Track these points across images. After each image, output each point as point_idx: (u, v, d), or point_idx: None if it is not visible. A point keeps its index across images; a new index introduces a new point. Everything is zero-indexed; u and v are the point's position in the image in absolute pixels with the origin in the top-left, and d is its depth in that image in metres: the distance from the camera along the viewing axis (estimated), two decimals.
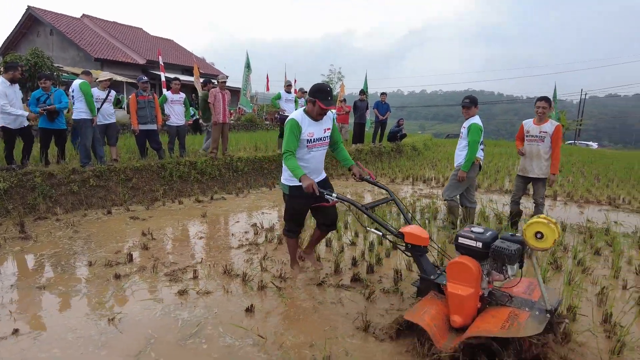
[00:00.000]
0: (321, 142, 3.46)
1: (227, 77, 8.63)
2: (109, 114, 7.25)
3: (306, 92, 10.90)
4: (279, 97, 9.54)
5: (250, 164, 8.75)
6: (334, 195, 3.19)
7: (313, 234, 3.91)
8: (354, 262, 4.12)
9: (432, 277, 2.87)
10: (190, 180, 7.63)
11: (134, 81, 15.47)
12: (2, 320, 2.99)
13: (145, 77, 7.71)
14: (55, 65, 16.11)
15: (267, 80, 22.82)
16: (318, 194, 3.10)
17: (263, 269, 3.95)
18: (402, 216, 4.80)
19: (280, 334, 2.84)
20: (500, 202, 7.11)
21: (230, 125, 13.25)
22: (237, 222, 5.73)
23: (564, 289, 3.45)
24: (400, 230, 2.98)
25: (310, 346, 2.70)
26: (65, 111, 6.90)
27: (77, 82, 6.63)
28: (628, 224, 5.89)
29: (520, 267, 2.60)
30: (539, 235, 2.40)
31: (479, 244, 2.58)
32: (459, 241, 2.67)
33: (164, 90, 8.58)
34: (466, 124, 5.13)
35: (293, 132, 3.27)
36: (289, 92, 9.58)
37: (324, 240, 4.83)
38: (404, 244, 2.99)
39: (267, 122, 22.00)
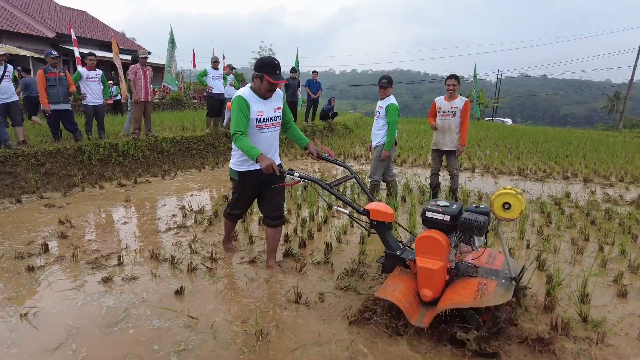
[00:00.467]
0: (272, 122, 3.21)
1: (148, 53, 8.12)
2: (8, 92, 6.52)
3: (234, 68, 10.58)
4: (205, 73, 9.18)
5: (176, 144, 8.40)
6: (296, 174, 2.95)
7: (266, 240, 3.56)
8: (287, 239, 4.18)
9: (397, 252, 2.85)
10: (112, 164, 7.17)
11: (42, 56, 13.99)
12: None
13: (55, 52, 7.01)
14: None
15: (194, 57, 21.82)
16: (279, 174, 2.89)
17: (193, 251, 3.87)
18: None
19: (212, 314, 2.82)
20: (423, 175, 7.54)
21: (154, 104, 12.56)
22: (164, 205, 5.52)
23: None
24: (365, 207, 2.91)
25: (242, 322, 2.73)
26: None
27: None
28: (533, 191, 6.56)
29: (485, 237, 2.62)
30: (506, 206, 2.44)
31: (447, 217, 2.59)
32: (427, 215, 2.66)
33: (79, 67, 7.86)
34: (383, 104, 5.30)
35: (242, 111, 3.02)
36: (215, 68, 9.25)
37: (256, 218, 4.83)
38: (368, 222, 2.91)
39: (195, 101, 21.14)
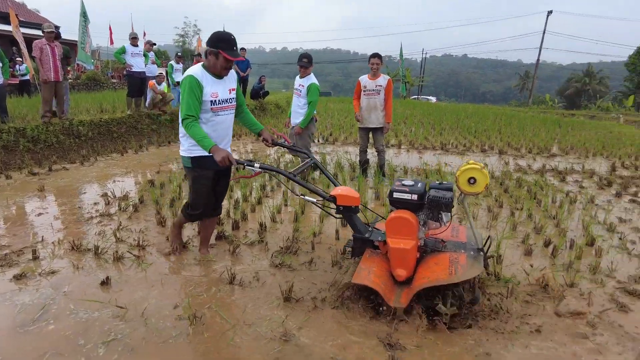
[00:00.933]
0: (227, 104, 2.96)
1: (55, 27, 7.36)
2: None
3: (154, 44, 9.97)
4: (123, 51, 8.56)
5: (95, 127, 7.82)
6: (256, 165, 2.73)
7: (201, 229, 3.46)
8: (219, 221, 4.11)
9: (366, 235, 2.83)
10: (20, 150, 6.51)
11: None
12: None
13: None
14: None
15: (110, 33, 20.21)
16: (236, 165, 2.69)
17: (118, 240, 3.69)
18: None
19: (142, 301, 2.74)
20: (354, 153, 7.75)
21: (69, 85, 11.42)
22: (85, 193, 5.16)
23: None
24: (331, 193, 2.83)
25: (174, 308, 2.67)
26: None
27: None
28: (454, 164, 7.02)
29: (451, 213, 2.66)
30: (472, 181, 2.49)
31: (415, 197, 2.60)
32: (394, 196, 2.65)
33: None
34: (305, 83, 5.36)
35: (193, 92, 2.71)
36: (135, 45, 8.65)
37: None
38: (334, 208, 2.84)
39: (114, 81, 19.68)
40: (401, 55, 26.90)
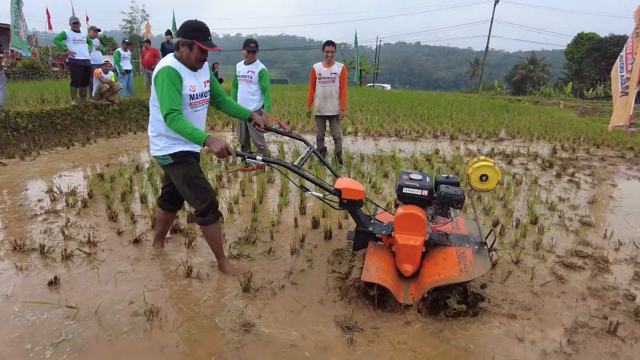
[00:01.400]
0: (204, 98, 2.77)
1: None
2: None
3: (99, 30, 9.43)
4: (63, 37, 8.04)
5: (36, 119, 7.33)
6: (258, 157, 2.53)
7: (160, 223, 3.22)
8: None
9: (370, 229, 2.79)
10: None
11: None
12: None
13: None
14: None
15: (48, 17, 18.87)
16: (235, 157, 2.51)
17: (66, 237, 3.52)
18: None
19: (95, 299, 2.64)
20: (311, 141, 7.76)
21: (4, 73, 10.57)
22: (27, 190, 4.85)
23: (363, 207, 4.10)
24: (335, 187, 2.75)
25: (129, 304, 2.60)
26: None
27: None
28: (408, 150, 7.22)
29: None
30: (483, 178, 2.50)
31: (425, 192, 2.57)
32: (404, 192, 2.60)
33: None
34: (255, 69, 5.30)
35: (174, 85, 2.49)
36: (76, 30, 8.14)
37: (137, 196, 4.54)
38: (338, 201, 2.76)
39: (56, 69, 18.49)
40: (356, 42, 27.07)
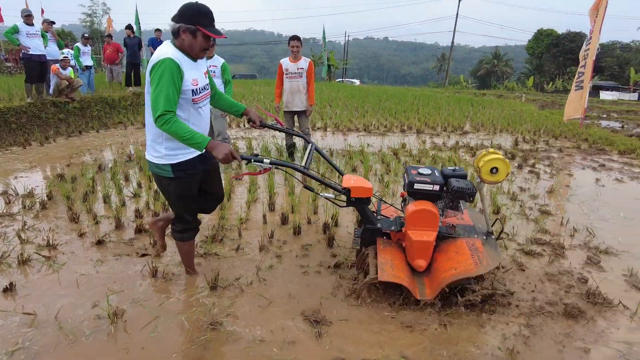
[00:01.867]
0: (206, 92, 2.47)
1: None
2: None
3: (53, 22, 9.02)
4: (15, 30, 7.63)
5: None
6: (266, 160, 2.36)
7: (189, 251, 2.86)
8: (139, 214, 3.92)
9: (378, 225, 2.76)
10: None
11: None
12: None
13: None
14: None
15: None
16: (240, 161, 2.29)
17: (23, 241, 3.37)
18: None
19: (55, 305, 2.54)
20: (280, 137, 7.73)
21: None
22: None
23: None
24: (344, 186, 2.68)
25: (93, 307, 2.53)
26: None
27: None
28: (376, 145, 7.31)
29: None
30: (494, 170, 2.54)
31: (436, 187, 2.57)
32: (415, 188, 2.59)
33: None
34: (216, 63, 5.24)
35: (173, 81, 2.16)
36: (29, 24, 7.75)
37: (100, 196, 4.40)
38: (345, 199, 2.69)
39: (9, 64, 17.59)
40: (324, 37, 27.06)
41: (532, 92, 27.01)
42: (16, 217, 3.88)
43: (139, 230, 3.58)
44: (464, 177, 2.64)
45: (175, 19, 2.26)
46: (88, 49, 10.94)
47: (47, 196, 4.32)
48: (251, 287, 2.77)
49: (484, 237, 2.71)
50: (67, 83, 8.62)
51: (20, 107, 7.60)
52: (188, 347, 2.20)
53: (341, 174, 2.91)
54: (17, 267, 2.99)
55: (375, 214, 2.87)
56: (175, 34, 2.27)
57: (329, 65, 28.88)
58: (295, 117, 5.99)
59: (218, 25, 2.41)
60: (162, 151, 2.36)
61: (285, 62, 5.72)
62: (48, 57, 8.38)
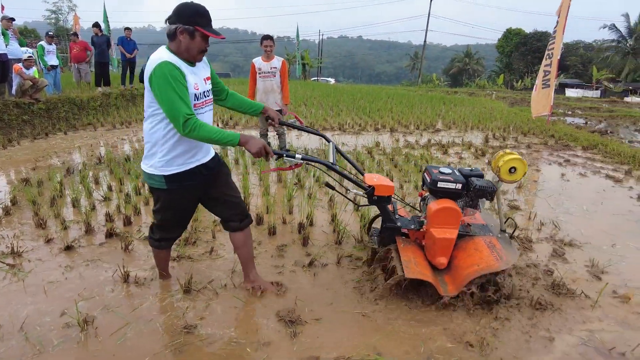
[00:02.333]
0: (208, 98, 2.39)
1: None
2: None
3: (13, 19, 8.68)
4: None
5: None
6: (298, 156, 2.34)
7: (237, 249, 2.68)
8: (109, 218, 3.83)
9: (398, 224, 2.78)
10: None
11: None
12: None
13: None
14: None
15: None
16: (272, 156, 2.24)
17: None
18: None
19: (20, 315, 2.46)
20: (256, 136, 7.69)
21: None
22: None
23: (306, 201, 4.15)
24: (368, 184, 2.67)
25: (61, 315, 2.46)
26: None
27: None
28: (350, 144, 7.36)
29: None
30: (512, 170, 2.64)
31: (459, 186, 2.62)
32: (439, 186, 2.63)
33: None
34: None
35: (181, 83, 2.09)
36: None
37: (69, 201, 4.27)
38: (367, 197, 2.69)
39: None
40: (297, 36, 27.01)
41: (502, 90, 27.73)
42: None
43: (109, 235, 3.50)
44: (482, 176, 2.73)
45: (172, 19, 2.17)
46: (53, 47, 10.58)
47: (10, 201, 4.17)
48: (225, 289, 2.75)
49: (499, 235, 2.82)
50: (31, 83, 8.32)
51: None
52: (161, 351, 2.17)
53: (361, 173, 2.93)
54: None
55: (393, 213, 2.90)
56: (171, 35, 2.17)
57: (303, 64, 28.85)
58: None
59: None
60: (156, 162, 2.28)
61: (258, 61, 5.69)
62: (10, 56, 8.07)
